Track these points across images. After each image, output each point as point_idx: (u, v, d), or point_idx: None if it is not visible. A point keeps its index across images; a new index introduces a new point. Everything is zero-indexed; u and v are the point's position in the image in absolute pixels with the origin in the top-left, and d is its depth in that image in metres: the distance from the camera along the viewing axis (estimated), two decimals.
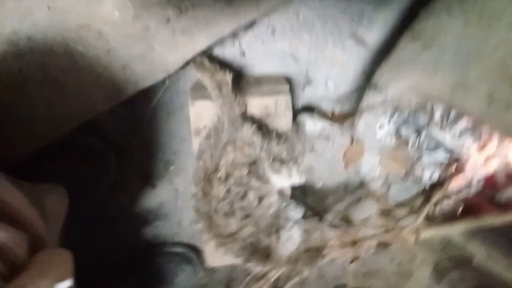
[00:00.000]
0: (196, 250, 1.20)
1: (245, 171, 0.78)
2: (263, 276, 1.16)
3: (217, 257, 1.03)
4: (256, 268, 0.92)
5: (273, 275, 1.10)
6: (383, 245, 0.91)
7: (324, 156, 1.11)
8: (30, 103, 0.78)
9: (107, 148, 0.96)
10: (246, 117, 0.82)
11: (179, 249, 1.17)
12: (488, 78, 0.53)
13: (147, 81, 0.80)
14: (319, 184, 1.18)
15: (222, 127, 0.79)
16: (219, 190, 0.78)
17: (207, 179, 0.79)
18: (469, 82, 0.56)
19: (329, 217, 1.14)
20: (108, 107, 0.84)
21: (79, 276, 0.71)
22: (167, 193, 1.11)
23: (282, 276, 1.25)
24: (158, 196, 1.11)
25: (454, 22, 0.60)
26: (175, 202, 1.13)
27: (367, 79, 0.81)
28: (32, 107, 0.78)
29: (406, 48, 0.68)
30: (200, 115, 0.83)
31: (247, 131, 0.79)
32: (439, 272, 1.47)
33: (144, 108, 0.95)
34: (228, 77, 0.79)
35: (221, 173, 0.77)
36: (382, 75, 0.72)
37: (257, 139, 0.79)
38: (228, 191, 0.78)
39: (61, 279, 0.66)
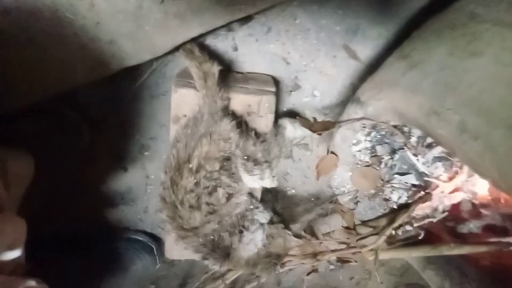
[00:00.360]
0: (158, 241, 1.18)
1: (217, 166, 0.78)
2: (220, 276, 1.15)
3: (176, 250, 1.01)
4: (214, 266, 0.91)
5: (231, 276, 1.09)
6: (342, 261, 0.91)
7: (300, 164, 1.12)
8: (9, 64, 0.75)
9: (82, 120, 0.94)
10: (227, 112, 0.81)
11: (140, 237, 1.15)
12: (462, 109, 0.54)
13: (132, 60, 0.79)
14: (291, 191, 1.18)
15: (201, 118, 0.78)
16: (188, 181, 0.77)
17: (178, 168, 0.77)
18: (443, 110, 0.57)
19: (295, 226, 1.15)
20: (89, 81, 0.82)
21: (31, 247, 0.69)
22: (138, 179, 1.09)
23: (240, 279, 1.24)
24: (128, 180, 1.09)
25: (440, 50, 0.61)
26: (144, 189, 1.11)
27: (353, 94, 0.82)
28: (11, 68, 0.76)
29: (392, 66, 0.69)
30: (182, 103, 0.82)
31: (226, 126, 0.78)
32: None
33: (127, 87, 0.93)
34: (216, 68, 0.78)
35: (193, 164, 0.76)
36: (365, 91, 0.73)
37: (234, 135, 0.79)
38: (197, 184, 0.77)
39: (11, 247, 0.63)
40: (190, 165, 0.76)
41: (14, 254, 0.65)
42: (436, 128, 0.59)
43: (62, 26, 0.72)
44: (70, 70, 0.77)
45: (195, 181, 0.77)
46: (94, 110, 0.95)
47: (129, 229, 1.17)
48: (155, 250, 1.16)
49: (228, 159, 0.79)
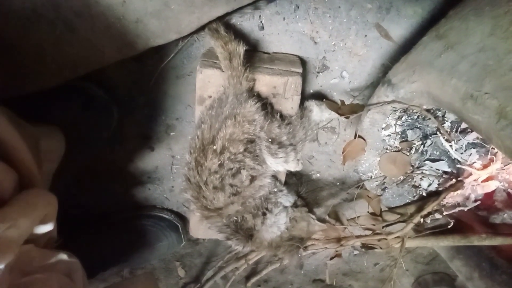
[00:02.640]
0: (183, 219, 1.21)
1: (241, 148, 0.77)
2: (243, 256, 1.17)
3: (201, 229, 1.03)
4: (237, 247, 0.92)
5: (253, 257, 1.11)
6: (367, 247, 0.90)
7: (325, 148, 1.09)
8: (39, 42, 0.77)
9: (111, 100, 0.95)
10: (252, 94, 0.80)
11: (166, 215, 1.18)
12: (501, 93, 0.50)
13: (158, 40, 0.78)
14: (316, 175, 1.17)
15: (226, 100, 0.77)
16: (212, 162, 0.77)
17: (202, 149, 0.78)
18: (480, 94, 0.53)
19: (319, 210, 1.14)
20: (116, 60, 0.82)
21: (62, 222, 0.72)
22: (164, 158, 1.11)
23: (263, 260, 1.26)
24: (155, 160, 1.11)
25: (479, 29, 0.56)
26: (170, 169, 1.13)
27: (384, 75, 0.79)
28: (41, 47, 0.77)
29: (427, 46, 0.65)
30: (207, 84, 0.81)
31: (251, 107, 0.77)
32: (420, 285, 1.47)
33: (154, 67, 0.93)
34: (241, 49, 0.76)
35: (217, 146, 0.76)
36: (397, 73, 0.69)
37: (259, 117, 0.78)
38: (221, 165, 0.77)
39: (43, 221, 0.66)
40: (214, 147, 0.76)
41: (47, 228, 0.68)
42: (472, 113, 0.55)
43: (89, 5, 0.72)
44: (97, 49, 0.78)
45: (219, 162, 0.77)
46: (122, 90, 0.96)
47: (155, 207, 1.20)
48: (180, 228, 1.19)
49: (252, 141, 0.79)
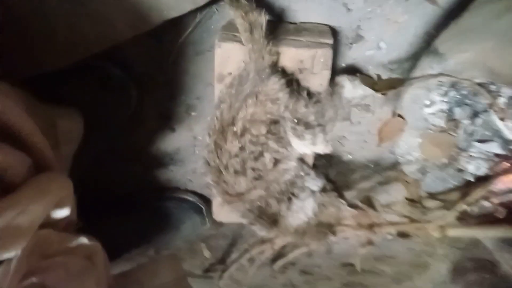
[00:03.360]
0: (207, 201, 1.17)
1: (263, 129, 0.71)
2: (269, 240, 1.12)
3: (224, 212, 0.99)
4: (261, 232, 0.87)
5: (279, 242, 1.06)
6: (403, 235, 0.82)
7: (358, 128, 1.00)
8: (49, 19, 0.73)
9: (129, 79, 0.91)
10: (275, 69, 0.72)
11: (189, 197, 1.15)
12: None
13: (173, 12, 0.72)
14: (347, 157, 1.09)
15: (247, 77, 0.70)
16: (232, 145, 0.71)
17: (222, 131, 0.72)
18: None
19: (350, 194, 1.06)
20: (130, 35, 0.77)
21: (83, 205, 0.70)
22: (186, 139, 1.06)
23: (289, 243, 1.21)
24: (176, 141, 1.07)
25: None
26: (192, 150, 1.08)
27: (428, 45, 0.68)
28: (52, 24, 0.74)
29: (483, 8, 0.54)
30: (226, 60, 0.74)
31: (274, 85, 0.70)
32: (457, 272, 1.37)
33: (171, 43, 0.87)
34: (264, 18, 0.68)
35: (237, 127, 0.70)
36: (445, 41, 0.59)
37: (283, 96, 0.70)
38: (242, 148, 0.72)
39: (59, 206, 0.64)
40: (235, 128, 0.70)
41: (63, 212, 0.66)
42: None
43: None
44: (110, 24, 0.73)
45: (240, 145, 0.71)
46: (140, 69, 0.92)
47: (178, 189, 1.17)
48: (204, 210, 1.15)
49: (276, 122, 0.72)
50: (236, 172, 0.74)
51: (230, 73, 0.76)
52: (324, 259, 1.36)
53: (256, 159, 0.74)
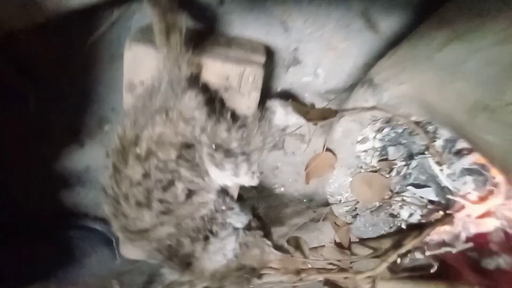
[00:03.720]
0: None
1: (173, 154, 0.59)
2: (188, 281, 0.98)
3: (131, 249, 0.84)
4: (171, 276, 0.73)
5: (199, 284, 0.92)
6: (331, 284, 0.73)
7: (292, 159, 0.92)
8: None
9: (26, 81, 0.76)
10: (194, 83, 0.61)
11: (98, 226, 0.99)
12: None
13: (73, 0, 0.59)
14: (279, 189, 0.99)
15: (158, 88, 0.59)
16: (134, 171, 0.59)
17: (122, 152, 0.59)
18: (500, 105, 0.37)
19: (280, 231, 0.96)
20: (25, 25, 0.63)
21: None
22: (97, 157, 0.91)
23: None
24: (86, 158, 0.92)
25: (500, 14, 0.40)
26: (104, 169, 0.93)
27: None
28: None
29: (424, 37, 0.48)
30: (138, 65, 0.63)
31: (190, 101, 0.59)
32: None
33: (81, 43, 0.74)
34: (184, 22, 0.58)
35: (141, 149, 0.58)
36: (382, 71, 0.53)
37: (200, 116, 0.60)
38: (146, 174, 0.59)
39: None
40: (138, 150, 0.58)
41: None
42: (484, 131, 0.39)
43: None
44: None
45: (143, 171, 0.58)
46: (41, 69, 0.77)
47: (86, 216, 1.00)
48: (114, 243, 0.99)
49: (190, 146, 0.60)
50: (138, 204, 0.61)
51: (142, 83, 0.64)
52: None
53: (164, 189, 0.61)
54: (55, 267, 0.97)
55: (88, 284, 1.15)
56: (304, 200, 1.00)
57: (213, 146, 0.62)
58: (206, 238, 0.71)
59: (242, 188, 0.81)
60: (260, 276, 0.83)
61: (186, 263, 0.72)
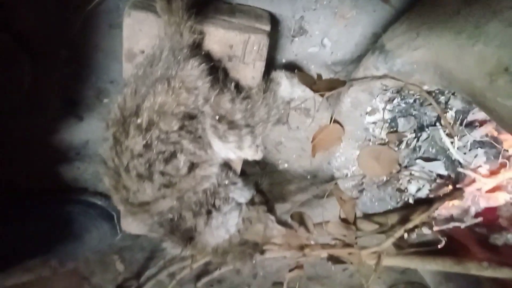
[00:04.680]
0: None
1: (175, 125, 0.57)
2: (190, 256, 0.98)
3: (131, 223, 0.83)
4: (173, 250, 0.73)
5: (198, 261, 0.92)
6: (334, 261, 0.72)
7: (297, 134, 0.90)
8: None
9: (20, 49, 0.73)
10: (197, 52, 0.59)
11: (98, 201, 0.97)
12: None
13: None
14: (283, 166, 0.98)
15: (159, 56, 0.56)
16: (135, 141, 0.57)
17: (123, 123, 0.57)
18: None
19: (284, 207, 0.95)
20: None
21: None
22: (96, 130, 0.89)
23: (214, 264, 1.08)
24: (84, 132, 0.89)
25: None
26: (104, 142, 0.91)
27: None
28: None
29: (438, 2, 0.45)
30: (138, 33, 0.60)
31: (192, 70, 0.56)
32: None
33: (78, 10, 0.70)
34: None
35: (142, 119, 0.55)
36: (395, 36, 0.50)
37: (203, 85, 0.57)
38: (147, 146, 0.57)
39: None
40: (138, 120, 0.56)
41: None
42: (505, 96, 0.37)
43: None
44: None
45: (145, 142, 0.57)
46: (37, 40, 0.74)
47: (86, 191, 0.99)
48: (115, 218, 0.98)
49: (192, 117, 0.58)
50: (139, 176, 0.59)
51: (142, 51, 0.62)
52: (254, 277, 1.24)
53: (166, 161, 0.59)
54: (55, 242, 0.97)
55: (88, 259, 1.16)
56: (308, 177, 0.99)
57: (217, 117, 0.60)
58: (209, 213, 0.70)
59: (245, 163, 0.80)
60: (263, 251, 0.82)
61: (188, 237, 0.71)
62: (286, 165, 0.97)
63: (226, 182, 0.73)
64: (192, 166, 0.62)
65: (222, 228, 0.72)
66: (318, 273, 1.26)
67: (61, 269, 1.11)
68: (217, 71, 0.61)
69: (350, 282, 1.29)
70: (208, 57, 0.61)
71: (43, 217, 0.94)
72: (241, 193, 0.76)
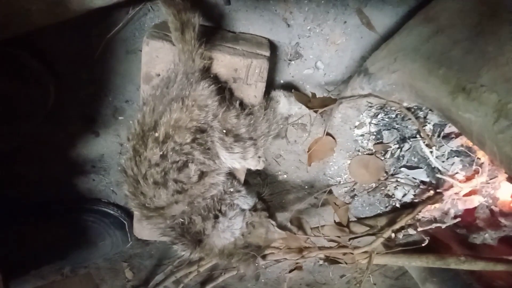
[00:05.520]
0: (131, 216, 1.07)
1: (188, 138, 0.65)
2: (196, 261, 1.04)
3: (143, 229, 0.90)
4: (183, 253, 0.79)
5: (205, 264, 0.99)
6: (330, 261, 0.79)
7: (295, 147, 0.98)
8: None
9: (47, 73, 0.81)
10: (207, 75, 0.68)
11: (111, 210, 1.04)
12: (501, 86, 0.40)
13: (98, 1, 0.65)
14: (283, 176, 1.06)
15: (174, 79, 0.65)
16: (153, 153, 0.64)
17: (142, 136, 0.65)
18: (475, 87, 0.43)
19: (283, 215, 1.03)
20: (48, 23, 0.69)
21: None
22: (111, 146, 0.97)
23: (219, 266, 1.14)
24: (100, 147, 0.97)
25: (477, 10, 0.46)
26: (117, 158, 0.99)
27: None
28: None
29: (413, 31, 0.54)
30: (154, 59, 0.69)
31: (203, 90, 0.65)
32: None
33: (99, 38, 0.80)
34: (197, 20, 0.64)
35: (159, 133, 0.64)
36: (376, 61, 0.59)
37: (212, 103, 0.66)
38: (163, 156, 0.65)
39: None
40: (156, 134, 0.64)
41: None
42: (463, 110, 0.45)
43: None
44: (22, 7, 0.64)
45: (161, 153, 0.65)
46: (62, 63, 0.83)
47: (100, 201, 1.06)
48: (127, 226, 1.05)
49: (203, 131, 0.66)
50: (156, 183, 0.67)
51: (158, 75, 0.70)
52: (256, 283, 1.30)
53: (179, 170, 0.67)
54: (70, 249, 1.03)
55: (99, 267, 1.22)
56: (306, 187, 1.06)
57: (224, 131, 0.68)
58: (216, 217, 0.77)
59: (248, 174, 0.88)
60: (264, 256, 0.89)
61: (197, 240, 0.78)
62: (285, 176, 1.05)
63: (232, 189, 0.81)
64: (202, 175, 0.70)
65: (228, 231, 0.79)
66: (316, 279, 1.32)
67: (72, 276, 1.17)
68: (224, 91, 0.70)
69: None
70: (216, 79, 0.70)
71: (60, 225, 1.00)
72: (245, 200, 0.84)
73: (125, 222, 1.05)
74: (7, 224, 0.96)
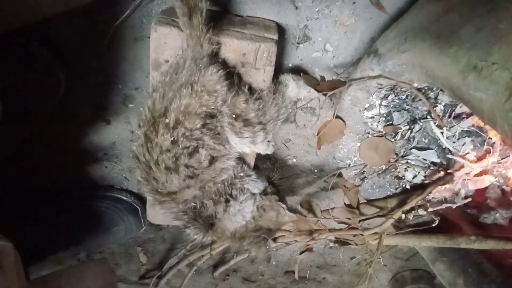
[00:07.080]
0: (144, 202, 1.09)
1: (198, 123, 0.65)
2: (209, 245, 1.07)
3: (157, 214, 0.92)
4: (196, 236, 0.81)
5: (218, 247, 1.01)
6: (341, 243, 0.80)
7: (304, 131, 0.98)
8: None
9: (56, 61, 0.82)
10: (215, 60, 0.68)
11: (124, 197, 1.06)
12: None
13: None
14: (292, 161, 1.06)
15: (183, 65, 0.65)
16: (164, 139, 0.65)
17: (153, 123, 0.66)
18: (487, 65, 0.42)
19: (292, 199, 1.03)
20: (57, 11, 0.69)
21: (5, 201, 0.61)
22: (122, 133, 0.98)
23: (231, 249, 1.16)
24: (112, 134, 0.98)
25: None
26: (129, 145, 1.00)
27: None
28: None
29: (423, 9, 0.54)
30: (162, 45, 0.69)
31: (212, 76, 0.65)
32: (397, 282, 1.40)
33: (107, 25, 0.80)
34: (204, 4, 0.64)
35: (170, 119, 0.64)
36: (386, 42, 0.58)
37: (221, 88, 0.66)
38: (174, 142, 0.66)
39: None
40: (167, 120, 0.65)
41: None
42: (474, 89, 0.44)
43: None
44: None
45: (172, 139, 0.65)
46: (71, 51, 0.83)
47: (113, 188, 1.08)
48: (140, 212, 1.08)
49: (212, 116, 0.67)
50: (167, 168, 0.68)
51: (167, 61, 0.71)
52: (267, 266, 1.32)
53: (190, 155, 0.68)
54: (85, 235, 1.06)
55: (114, 252, 1.25)
56: (315, 171, 1.07)
57: (233, 116, 0.69)
58: (227, 201, 0.78)
59: (257, 159, 0.88)
60: (275, 238, 0.91)
61: (209, 223, 0.79)
62: (294, 160, 1.05)
63: (242, 174, 0.81)
64: (212, 160, 0.71)
65: (239, 215, 0.81)
66: (327, 261, 1.33)
67: (88, 261, 1.21)
68: (232, 76, 0.70)
69: (358, 270, 1.37)
70: (224, 64, 0.70)
71: (75, 212, 1.03)
72: (255, 185, 0.85)
73: (138, 207, 1.07)
74: (25, 213, 0.99)
